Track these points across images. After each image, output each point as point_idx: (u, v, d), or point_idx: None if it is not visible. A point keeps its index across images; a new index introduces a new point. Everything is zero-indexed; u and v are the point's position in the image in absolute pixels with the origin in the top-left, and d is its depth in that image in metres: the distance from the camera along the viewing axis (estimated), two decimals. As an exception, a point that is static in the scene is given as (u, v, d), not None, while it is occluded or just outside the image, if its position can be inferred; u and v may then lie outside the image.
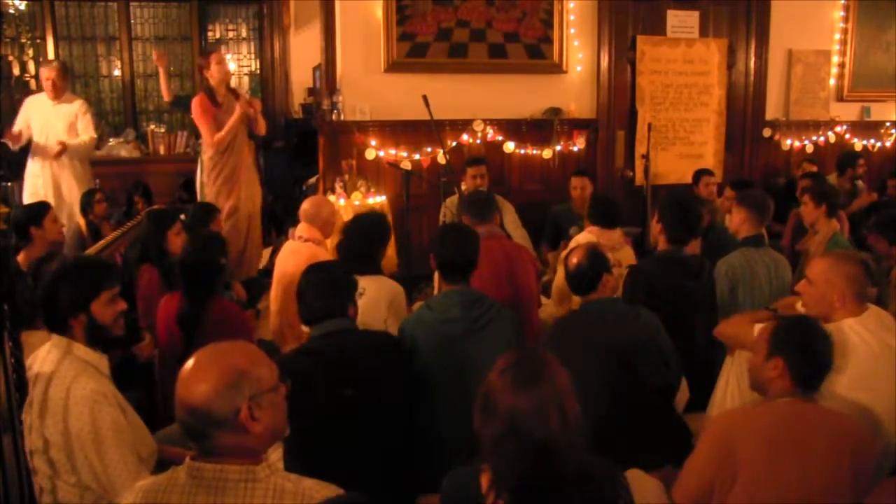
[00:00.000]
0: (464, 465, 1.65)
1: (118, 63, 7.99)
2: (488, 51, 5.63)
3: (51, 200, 4.70)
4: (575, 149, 5.90)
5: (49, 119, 5.17)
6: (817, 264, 2.54)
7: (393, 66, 5.42)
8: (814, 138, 6.58)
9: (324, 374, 2.25)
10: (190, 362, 1.50)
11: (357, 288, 2.54)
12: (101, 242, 4.38)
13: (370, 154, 5.37)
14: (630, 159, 6.11)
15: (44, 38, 7.61)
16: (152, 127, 7.36)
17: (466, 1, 5.52)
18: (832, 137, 6.60)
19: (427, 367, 2.50)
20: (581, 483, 1.50)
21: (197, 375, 1.47)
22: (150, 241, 3.55)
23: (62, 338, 2.10)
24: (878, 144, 6.79)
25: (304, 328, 2.43)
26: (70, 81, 5.59)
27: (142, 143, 7.21)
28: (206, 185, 5.00)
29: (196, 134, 5.73)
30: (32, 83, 7.02)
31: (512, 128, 5.75)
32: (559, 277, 3.48)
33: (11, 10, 7.03)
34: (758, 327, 2.52)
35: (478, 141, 5.64)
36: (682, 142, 6.23)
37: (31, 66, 7.24)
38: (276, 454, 1.98)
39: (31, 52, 7.31)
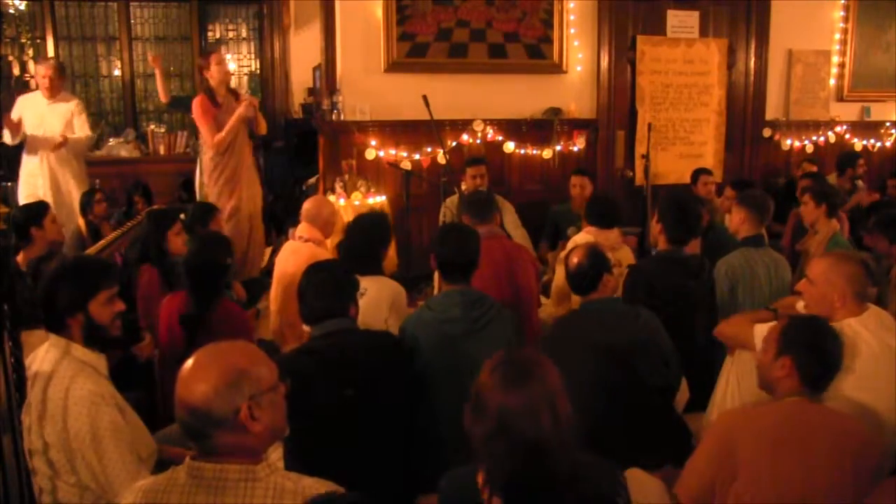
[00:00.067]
0: (462, 465, 1.65)
1: (118, 63, 7.99)
2: (488, 51, 5.63)
3: (49, 199, 4.70)
4: (575, 149, 5.90)
5: (45, 117, 5.14)
6: (818, 264, 2.54)
7: (393, 66, 5.42)
8: (814, 138, 6.58)
9: (324, 373, 2.25)
10: (189, 362, 1.50)
11: (358, 288, 2.54)
12: (101, 242, 4.39)
13: (370, 154, 5.37)
14: (630, 159, 6.11)
15: (44, 38, 7.61)
16: (152, 127, 7.36)
17: (466, 1, 5.52)
18: (832, 137, 6.60)
19: (427, 367, 2.50)
20: (574, 482, 1.49)
21: (197, 375, 1.47)
22: (150, 241, 3.55)
23: (60, 338, 2.10)
24: (878, 144, 6.79)
25: (305, 328, 2.43)
26: (65, 80, 5.58)
27: (142, 143, 7.21)
28: (207, 185, 5.01)
29: (196, 134, 5.73)
30: (33, 83, 7.01)
31: (512, 128, 5.75)
32: (558, 277, 3.48)
33: (11, 10, 7.03)
34: (758, 327, 2.53)
35: (478, 141, 5.64)
36: (682, 142, 6.23)
37: (32, 67, 7.22)
38: (276, 454, 1.98)
39: (31, 52, 7.31)
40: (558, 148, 5.82)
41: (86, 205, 4.97)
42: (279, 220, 6.61)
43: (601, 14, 5.90)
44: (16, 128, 4.96)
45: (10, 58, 6.78)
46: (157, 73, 5.75)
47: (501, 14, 5.62)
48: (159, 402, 3.04)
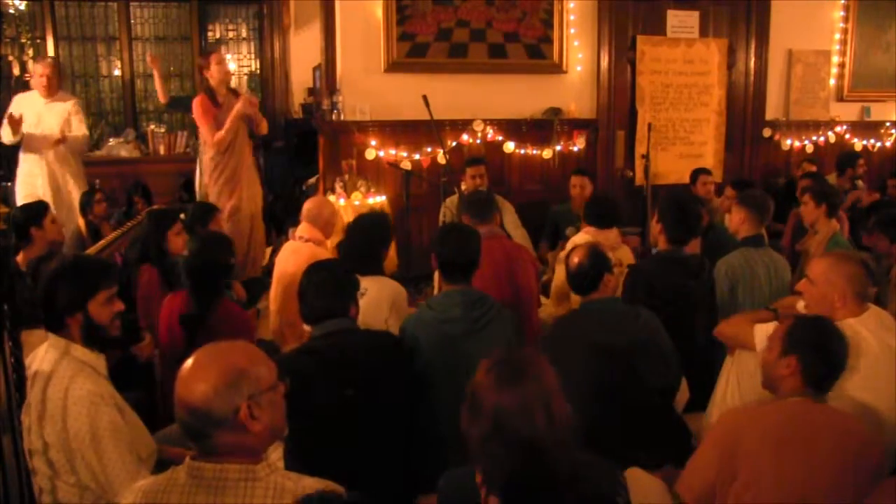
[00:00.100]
0: (462, 465, 1.64)
1: (118, 63, 7.99)
2: (488, 51, 5.63)
3: (49, 199, 4.69)
4: (575, 149, 5.90)
5: (42, 116, 5.13)
6: (818, 264, 2.54)
7: (393, 66, 5.42)
8: (814, 138, 6.58)
9: (324, 373, 2.25)
10: (189, 362, 1.50)
11: (359, 287, 2.54)
12: (101, 242, 4.39)
13: (370, 154, 5.37)
14: (630, 159, 6.11)
15: (44, 38, 7.61)
16: (152, 127, 7.35)
17: (466, 1, 5.52)
18: (832, 137, 6.60)
19: (427, 367, 2.50)
20: (573, 482, 1.48)
21: (196, 375, 1.47)
22: (150, 241, 3.55)
23: (60, 338, 2.10)
24: (878, 144, 6.79)
25: (306, 327, 2.43)
26: (63, 80, 5.56)
27: (142, 143, 7.21)
28: (207, 185, 5.01)
29: (196, 134, 5.73)
30: (33, 83, 7.01)
31: (512, 128, 5.75)
32: (558, 277, 3.48)
33: (11, 10, 7.02)
34: (758, 327, 2.53)
35: (478, 141, 5.64)
36: (682, 142, 6.23)
37: (32, 67, 7.22)
38: (276, 454, 1.98)
39: (31, 52, 7.29)
40: (558, 148, 5.83)
41: (86, 205, 4.97)
42: (279, 220, 6.61)
43: (601, 14, 5.90)
44: (17, 125, 4.95)
45: (10, 58, 6.77)
46: (156, 73, 5.76)
47: (501, 14, 5.62)
48: (159, 402, 3.04)
